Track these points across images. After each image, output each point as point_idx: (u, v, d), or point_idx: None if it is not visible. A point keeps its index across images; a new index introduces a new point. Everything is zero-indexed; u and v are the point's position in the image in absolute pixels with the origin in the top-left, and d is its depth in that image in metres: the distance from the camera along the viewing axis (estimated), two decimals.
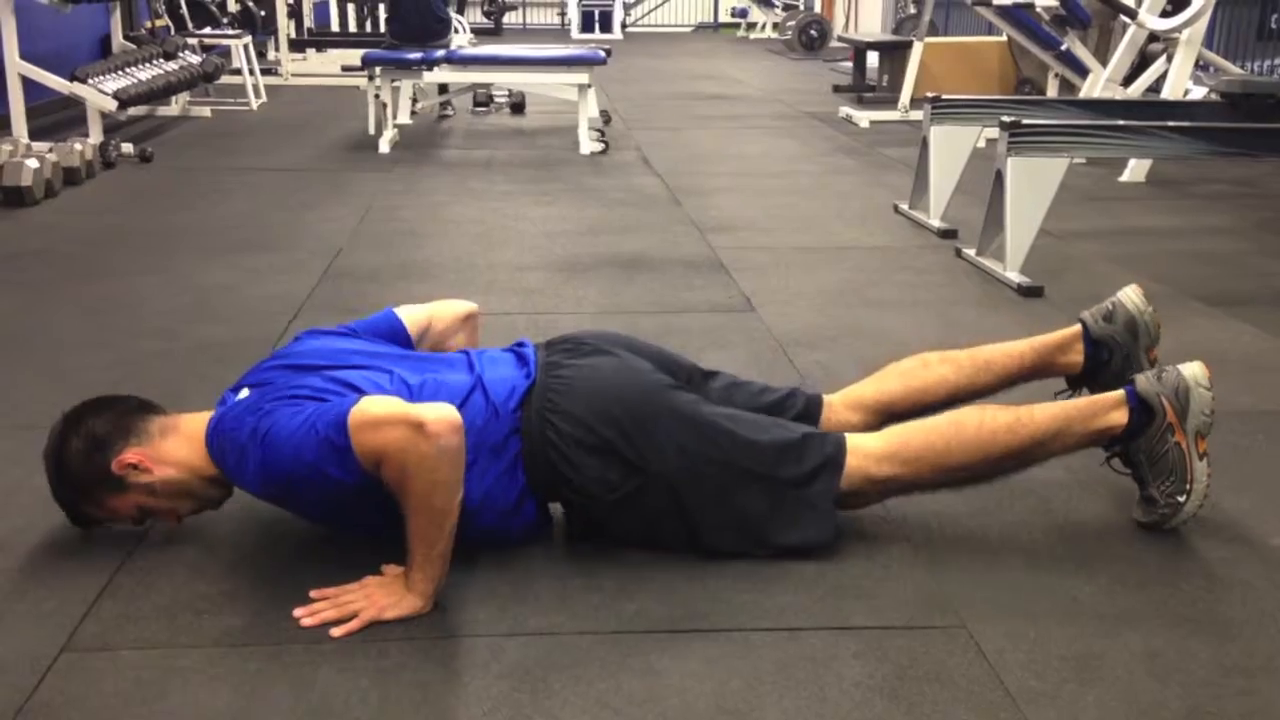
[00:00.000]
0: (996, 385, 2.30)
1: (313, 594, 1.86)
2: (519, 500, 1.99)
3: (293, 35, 10.73)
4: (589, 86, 6.73)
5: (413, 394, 1.94)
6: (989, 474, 2.07)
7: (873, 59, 9.83)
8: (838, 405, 2.25)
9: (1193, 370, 2.08)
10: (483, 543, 1.98)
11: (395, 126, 6.86)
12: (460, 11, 10.36)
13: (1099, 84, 6.48)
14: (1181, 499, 2.06)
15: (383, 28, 9.93)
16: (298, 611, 1.82)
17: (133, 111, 6.83)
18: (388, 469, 1.75)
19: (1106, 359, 2.32)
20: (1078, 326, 2.35)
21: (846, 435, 2.06)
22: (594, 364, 2.04)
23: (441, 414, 1.75)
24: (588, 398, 1.98)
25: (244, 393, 1.98)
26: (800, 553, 2.00)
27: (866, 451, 2.02)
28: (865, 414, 2.24)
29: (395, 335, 2.23)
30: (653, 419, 1.97)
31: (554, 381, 2.00)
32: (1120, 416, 2.07)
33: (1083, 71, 6.98)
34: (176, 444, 1.98)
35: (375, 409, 1.77)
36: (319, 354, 2.06)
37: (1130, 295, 2.35)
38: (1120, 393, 2.09)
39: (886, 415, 2.23)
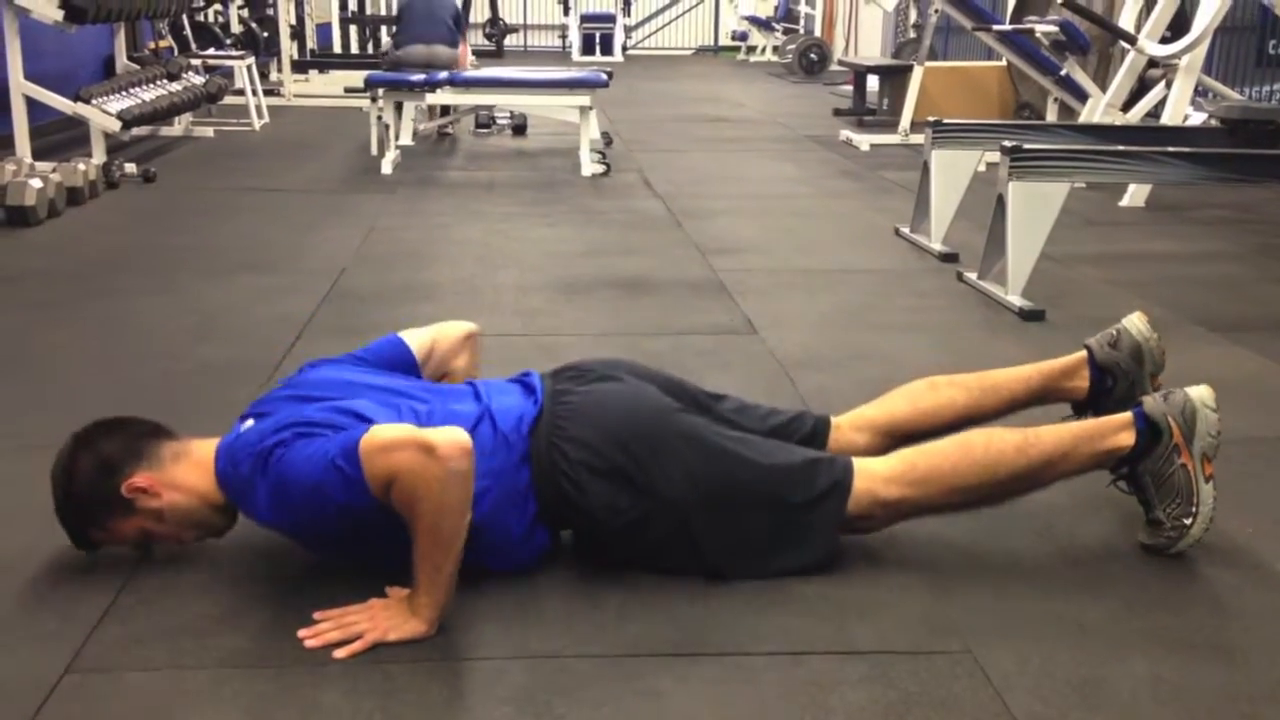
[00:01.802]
0: (1003, 409, 2.31)
1: (317, 615, 1.85)
2: (531, 528, 1.99)
3: (295, 56, 10.79)
4: (591, 109, 6.76)
5: (421, 424, 1.94)
6: (997, 496, 2.08)
7: (873, 83, 9.87)
8: (845, 427, 2.26)
9: (1199, 392, 2.08)
10: (496, 569, 1.98)
11: (397, 148, 6.89)
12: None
13: (1098, 109, 6.51)
14: (1188, 521, 2.06)
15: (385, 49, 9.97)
16: (302, 633, 1.82)
17: (136, 132, 6.86)
18: (397, 492, 1.75)
19: (1111, 386, 2.34)
20: (1083, 353, 2.36)
21: (854, 459, 2.06)
22: (601, 389, 2.04)
23: (452, 437, 1.76)
24: (596, 423, 1.98)
25: (249, 423, 1.98)
26: (800, 573, 2.00)
27: (874, 474, 2.02)
28: (872, 435, 2.25)
29: (402, 361, 2.22)
30: (661, 443, 1.97)
31: (561, 408, 2.00)
32: (1128, 437, 2.07)
33: (1082, 97, 7.02)
34: (187, 470, 1.97)
35: (386, 434, 1.78)
36: (325, 385, 2.06)
37: (1135, 322, 2.36)
38: (1128, 414, 2.10)
39: (894, 437, 2.24)
